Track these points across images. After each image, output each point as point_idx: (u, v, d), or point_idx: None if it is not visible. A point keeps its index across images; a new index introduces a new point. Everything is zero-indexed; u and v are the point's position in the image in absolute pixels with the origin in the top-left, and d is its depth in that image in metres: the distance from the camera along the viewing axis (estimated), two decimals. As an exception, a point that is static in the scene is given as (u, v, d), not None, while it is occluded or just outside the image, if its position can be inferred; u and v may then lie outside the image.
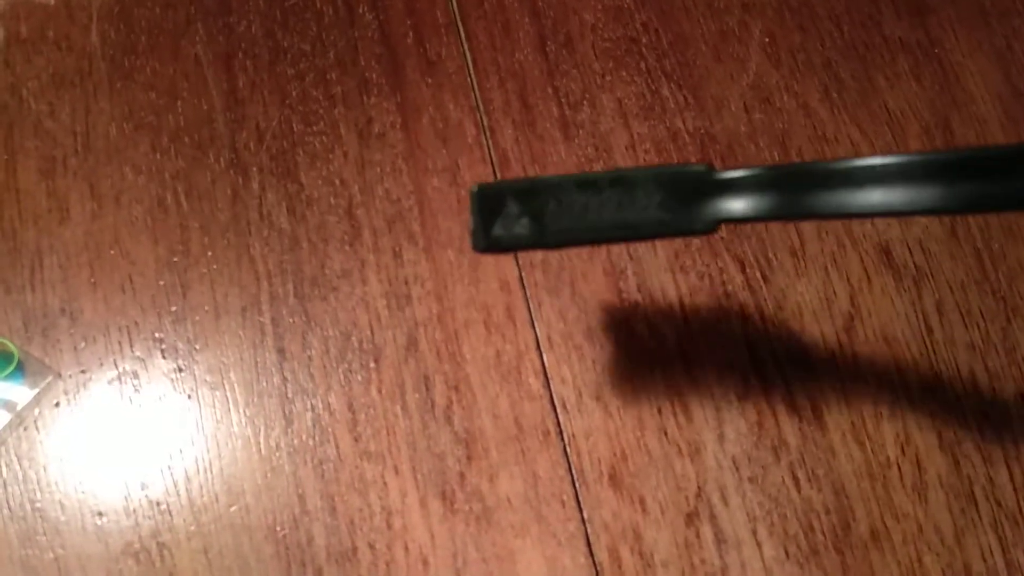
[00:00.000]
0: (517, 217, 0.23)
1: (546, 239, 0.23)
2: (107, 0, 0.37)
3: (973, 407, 0.33)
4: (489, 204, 0.23)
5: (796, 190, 0.22)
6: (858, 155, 0.36)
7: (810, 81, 0.38)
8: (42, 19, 0.36)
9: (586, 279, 0.34)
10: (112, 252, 0.33)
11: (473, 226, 0.23)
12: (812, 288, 0.35)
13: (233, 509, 0.31)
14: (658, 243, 0.34)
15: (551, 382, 0.33)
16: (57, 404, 0.32)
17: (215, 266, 0.33)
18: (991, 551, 0.32)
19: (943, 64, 0.39)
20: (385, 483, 0.31)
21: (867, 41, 0.39)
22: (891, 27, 0.39)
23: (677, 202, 0.23)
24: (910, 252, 0.35)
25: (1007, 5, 0.40)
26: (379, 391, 0.32)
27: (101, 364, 0.32)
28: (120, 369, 0.32)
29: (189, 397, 0.32)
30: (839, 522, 0.32)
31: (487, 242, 0.23)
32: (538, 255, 0.34)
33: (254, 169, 0.35)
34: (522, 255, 0.34)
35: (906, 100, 0.38)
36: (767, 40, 0.38)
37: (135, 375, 0.32)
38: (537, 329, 0.33)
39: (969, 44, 0.39)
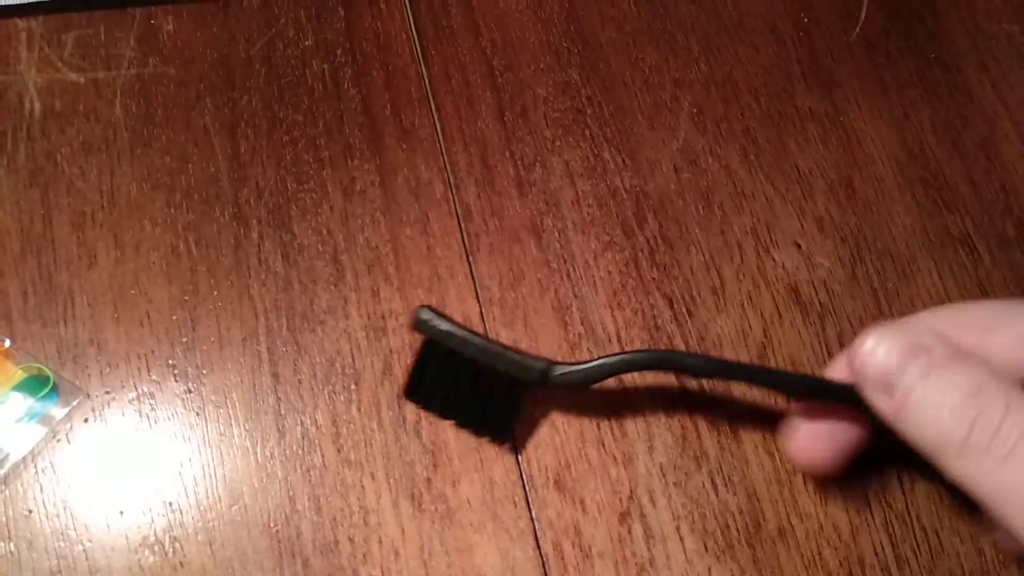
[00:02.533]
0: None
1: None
2: (129, 79, 0.43)
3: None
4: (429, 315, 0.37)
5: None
6: (772, 209, 0.44)
7: (731, 146, 0.45)
8: (73, 95, 0.42)
9: (537, 314, 0.41)
10: (133, 292, 0.39)
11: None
12: (730, 322, 0.41)
13: (234, 508, 0.36)
14: (598, 283, 0.41)
15: None
16: (86, 420, 0.37)
17: (220, 304, 0.39)
18: (882, 546, 0.37)
19: (847, 130, 0.46)
20: (363, 487, 0.37)
21: (781, 111, 0.46)
22: (802, 99, 0.46)
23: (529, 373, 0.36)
24: (816, 292, 0.42)
25: (904, 79, 0.48)
26: (359, 409, 0.38)
27: (123, 386, 0.38)
28: (139, 391, 0.38)
29: (197, 414, 0.38)
30: (751, 521, 0.38)
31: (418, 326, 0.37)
32: (496, 295, 0.41)
33: (254, 221, 0.41)
34: (482, 296, 0.41)
35: (814, 161, 0.45)
36: (695, 111, 0.45)
37: (152, 396, 0.38)
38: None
39: (870, 113, 0.47)
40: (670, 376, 0.40)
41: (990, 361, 0.26)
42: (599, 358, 0.36)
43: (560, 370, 0.36)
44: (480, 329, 0.40)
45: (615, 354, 0.36)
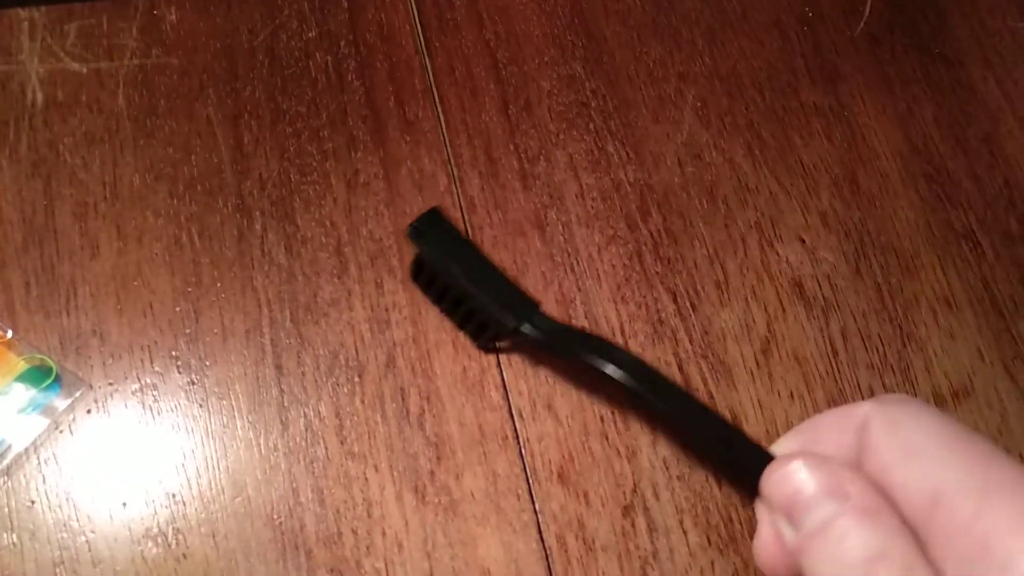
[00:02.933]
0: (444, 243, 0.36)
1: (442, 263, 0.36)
2: (131, 69, 0.43)
3: (871, 418, 0.40)
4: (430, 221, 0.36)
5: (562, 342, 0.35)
6: (776, 203, 0.44)
7: (735, 140, 0.45)
8: (76, 85, 0.42)
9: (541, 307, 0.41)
10: (135, 283, 0.39)
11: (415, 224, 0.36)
12: (734, 316, 0.41)
13: (237, 500, 0.36)
14: (602, 277, 0.41)
15: (510, 394, 0.39)
16: (89, 411, 0.37)
17: (223, 295, 0.39)
18: (885, 540, 0.39)
19: (851, 125, 0.46)
20: (366, 479, 0.37)
21: (785, 105, 0.46)
22: (807, 94, 0.47)
23: (518, 309, 0.36)
24: (819, 286, 0.43)
25: (908, 75, 0.48)
26: (362, 401, 0.38)
27: (126, 377, 0.38)
28: (142, 382, 0.38)
29: (200, 406, 0.38)
30: (754, 514, 0.39)
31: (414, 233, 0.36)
32: (500, 287, 0.41)
33: (257, 213, 0.41)
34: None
35: (819, 156, 0.45)
36: (699, 105, 0.46)
37: (155, 387, 0.38)
38: (498, 349, 0.40)
39: (875, 108, 0.47)
40: (673, 368, 0.40)
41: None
42: (573, 335, 0.35)
43: (528, 329, 0.35)
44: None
45: (588, 340, 0.34)
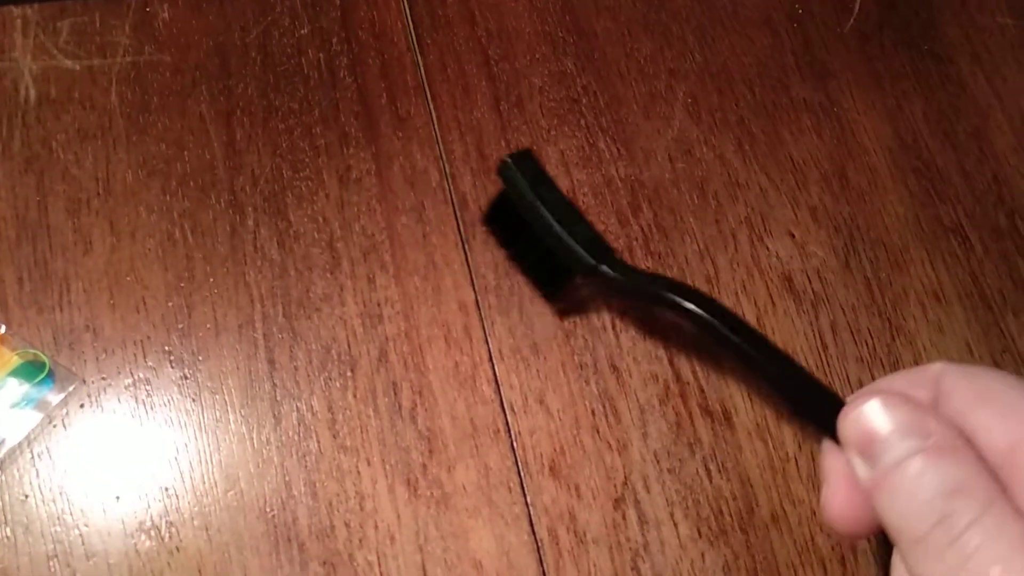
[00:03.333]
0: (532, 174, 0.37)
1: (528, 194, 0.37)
2: (124, 66, 0.43)
3: (861, 411, 0.41)
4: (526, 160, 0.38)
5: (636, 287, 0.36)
6: (766, 198, 0.44)
7: (726, 136, 0.45)
8: (69, 82, 0.42)
9: (532, 303, 0.41)
10: (128, 278, 0.39)
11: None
12: None
13: (230, 494, 0.37)
14: (593, 272, 0.42)
15: (501, 388, 0.39)
16: (82, 405, 0.37)
17: (216, 290, 0.40)
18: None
19: (841, 121, 0.46)
20: (359, 472, 0.37)
21: (776, 102, 0.46)
22: (797, 90, 0.47)
23: (598, 252, 0.36)
24: (809, 280, 0.43)
25: (898, 71, 0.48)
26: (354, 395, 0.39)
27: (119, 372, 0.38)
28: (135, 376, 0.38)
29: (193, 400, 0.38)
30: (744, 507, 0.39)
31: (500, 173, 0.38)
32: (491, 282, 0.41)
33: (249, 209, 0.41)
34: (477, 284, 0.41)
35: (808, 152, 0.45)
36: (689, 101, 0.46)
37: (148, 381, 0.38)
38: (490, 344, 0.40)
39: (864, 104, 0.47)
40: (664, 363, 0.40)
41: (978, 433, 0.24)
42: (651, 277, 0.37)
43: (605, 270, 0.36)
44: (476, 317, 0.40)
45: (667, 282, 0.36)
